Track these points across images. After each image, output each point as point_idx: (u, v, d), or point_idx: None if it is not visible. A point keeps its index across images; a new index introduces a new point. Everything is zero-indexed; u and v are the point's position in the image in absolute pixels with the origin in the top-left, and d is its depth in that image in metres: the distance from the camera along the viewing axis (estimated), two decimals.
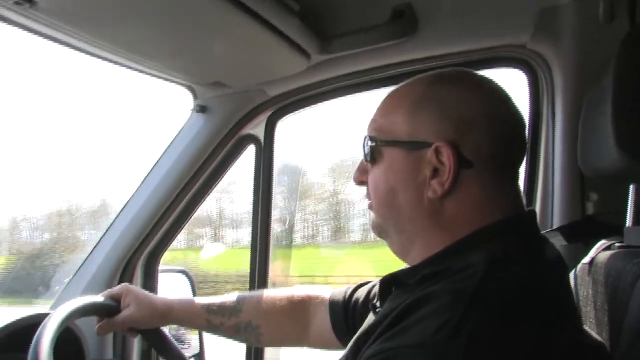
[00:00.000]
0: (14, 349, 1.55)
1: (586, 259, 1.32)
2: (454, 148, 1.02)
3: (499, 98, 1.09)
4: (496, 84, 1.11)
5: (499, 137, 1.05)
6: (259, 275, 2.20)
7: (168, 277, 2.32)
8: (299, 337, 1.67)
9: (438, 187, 1.04)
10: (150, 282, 2.20)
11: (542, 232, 1.34)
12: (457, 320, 0.86)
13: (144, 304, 1.62)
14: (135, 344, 2.15)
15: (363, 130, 1.18)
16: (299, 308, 1.64)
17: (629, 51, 1.04)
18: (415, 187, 1.06)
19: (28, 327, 1.49)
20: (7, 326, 1.53)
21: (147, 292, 1.69)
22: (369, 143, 1.13)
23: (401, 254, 1.15)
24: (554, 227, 1.67)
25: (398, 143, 1.08)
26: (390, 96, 1.16)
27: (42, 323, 1.35)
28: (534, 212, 1.14)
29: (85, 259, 2.14)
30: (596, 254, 1.28)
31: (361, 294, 1.52)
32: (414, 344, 0.87)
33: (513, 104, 1.10)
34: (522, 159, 1.12)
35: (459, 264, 0.99)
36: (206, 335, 2.27)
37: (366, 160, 1.15)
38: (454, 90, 1.07)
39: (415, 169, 1.06)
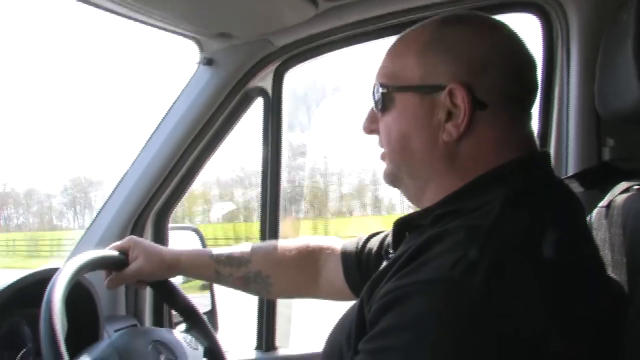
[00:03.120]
0: (27, 304, 1.55)
1: (603, 202, 1.30)
2: (468, 90, 1.00)
3: (511, 39, 1.08)
4: (506, 25, 1.09)
5: (513, 78, 1.04)
6: (269, 229, 2.19)
7: (178, 234, 2.32)
8: (309, 288, 1.66)
9: (453, 130, 1.02)
10: (160, 239, 2.20)
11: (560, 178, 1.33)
12: (473, 256, 0.86)
13: (151, 255, 1.61)
14: (148, 300, 2.15)
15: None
16: (309, 258, 1.63)
17: None
18: (429, 131, 1.05)
19: (39, 282, 1.48)
20: (18, 281, 1.52)
21: (154, 244, 1.69)
22: (380, 90, 1.11)
23: (415, 199, 1.14)
24: (569, 173, 1.65)
25: (410, 88, 1.07)
26: (399, 41, 1.13)
27: (52, 278, 1.35)
28: (547, 152, 1.14)
29: (96, 217, 2.14)
30: (614, 197, 1.26)
31: (374, 243, 1.51)
32: (429, 279, 0.88)
33: (524, 44, 1.08)
34: (534, 100, 1.10)
35: (473, 202, 0.99)
36: (218, 292, 2.28)
37: (376, 108, 1.13)
38: (464, 31, 1.06)
39: (429, 113, 1.05)
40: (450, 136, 1.03)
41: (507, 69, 1.03)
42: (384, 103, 1.11)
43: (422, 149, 1.07)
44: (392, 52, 1.14)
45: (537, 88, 1.10)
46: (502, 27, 1.08)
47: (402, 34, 1.14)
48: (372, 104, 1.15)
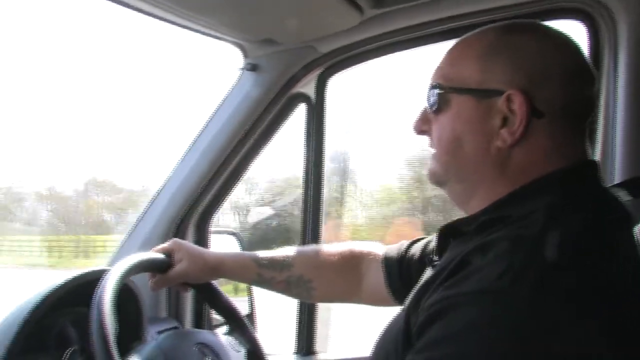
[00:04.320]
0: (74, 304, 1.57)
1: None
2: (526, 97, 1.00)
3: (573, 50, 1.07)
4: (568, 35, 1.09)
5: (573, 92, 1.03)
6: (311, 234, 2.21)
7: (219, 238, 2.34)
8: (351, 293, 1.67)
9: (508, 136, 1.02)
10: (202, 243, 2.21)
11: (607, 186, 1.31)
12: (519, 267, 0.86)
13: (195, 258, 1.62)
14: (189, 303, 2.17)
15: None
16: (352, 264, 1.63)
17: None
18: (483, 136, 1.05)
19: (87, 283, 1.51)
20: (67, 282, 1.54)
21: (197, 247, 1.71)
22: (437, 91, 1.11)
23: (461, 202, 1.15)
24: (616, 181, 1.63)
25: (468, 91, 1.07)
26: (459, 44, 1.13)
27: (102, 280, 1.37)
28: (596, 162, 1.11)
29: (139, 219, 2.16)
30: None
31: (416, 249, 1.51)
32: (476, 290, 0.87)
33: (585, 56, 1.08)
34: (592, 112, 1.09)
35: (519, 211, 0.98)
36: (257, 296, 2.29)
37: (431, 109, 1.13)
38: (527, 40, 1.06)
39: (484, 117, 1.05)
40: (504, 142, 1.03)
41: (568, 82, 1.03)
42: (439, 104, 1.11)
43: (474, 153, 1.07)
44: (452, 54, 1.14)
45: (596, 103, 1.10)
46: (565, 39, 1.08)
47: (463, 37, 1.14)
48: (426, 104, 1.15)
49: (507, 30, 1.08)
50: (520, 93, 1.00)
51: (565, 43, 1.07)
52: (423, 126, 1.17)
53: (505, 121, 1.02)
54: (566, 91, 1.02)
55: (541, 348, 0.81)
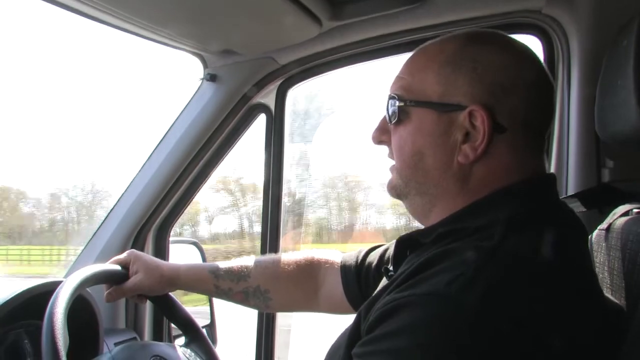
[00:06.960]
0: (28, 316, 1.55)
1: (603, 225, 1.30)
2: (489, 112, 0.99)
3: (534, 63, 1.06)
4: (527, 47, 1.08)
5: (533, 104, 1.03)
6: (270, 246, 2.20)
7: (179, 247, 2.32)
8: (308, 302, 1.66)
9: (470, 152, 1.01)
10: (161, 253, 2.21)
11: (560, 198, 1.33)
12: (470, 275, 0.86)
13: (151, 270, 1.61)
14: (147, 314, 2.16)
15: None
16: (309, 272, 1.63)
17: None
18: (444, 150, 1.04)
19: (41, 295, 1.49)
20: (21, 294, 1.53)
21: (154, 258, 1.69)
22: (396, 102, 1.08)
23: (420, 216, 1.13)
24: (569, 193, 1.66)
25: (428, 104, 1.05)
26: (419, 54, 1.11)
27: (55, 291, 1.36)
28: (553, 175, 1.11)
29: (97, 230, 2.14)
30: (613, 220, 1.27)
31: (374, 257, 1.51)
32: (426, 292, 0.88)
33: (544, 69, 1.08)
34: (550, 126, 1.09)
35: (476, 223, 0.98)
36: (217, 306, 2.28)
37: (390, 120, 1.11)
38: (489, 52, 1.04)
39: (445, 132, 1.03)
40: (466, 158, 1.02)
41: (530, 94, 1.02)
42: (399, 115, 1.08)
43: (436, 167, 1.05)
44: (412, 64, 1.11)
45: (553, 113, 1.10)
46: (527, 52, 1.07)
47: (423, 46, 1.11)
48: (384, 115, 1.13)
49: (468, 41, 1.06)
50: (482, 109, 0.99)
51: (525, 55, 1.06)
52: (382, 136, 1.15)
53: (467, 136, 1.01)
54: (527, 104, 1.01)
55: (476, 357, 0.82)
